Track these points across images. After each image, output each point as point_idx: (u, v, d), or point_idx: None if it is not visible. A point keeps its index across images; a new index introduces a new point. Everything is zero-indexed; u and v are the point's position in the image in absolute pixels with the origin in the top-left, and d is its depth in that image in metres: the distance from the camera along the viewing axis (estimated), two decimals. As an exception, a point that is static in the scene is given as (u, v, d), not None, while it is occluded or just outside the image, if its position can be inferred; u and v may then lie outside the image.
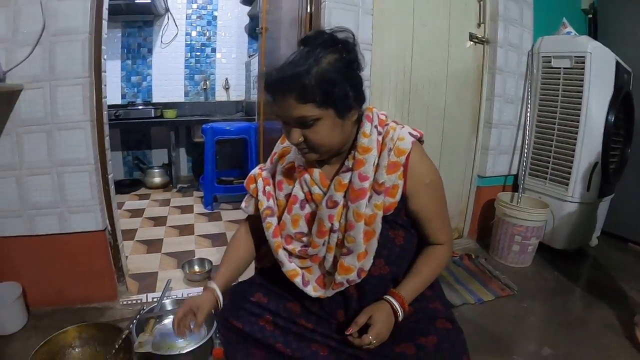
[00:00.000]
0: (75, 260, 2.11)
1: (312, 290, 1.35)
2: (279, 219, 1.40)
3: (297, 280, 1.35)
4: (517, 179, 2.97)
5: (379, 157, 1.25)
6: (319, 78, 1.13)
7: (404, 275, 1.36)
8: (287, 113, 1.19)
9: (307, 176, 1.32)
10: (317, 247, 1.31)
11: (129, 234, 3.15)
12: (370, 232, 1.25)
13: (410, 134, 1.28)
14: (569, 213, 2.62)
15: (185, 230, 3.33)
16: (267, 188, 1.43)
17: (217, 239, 3.16)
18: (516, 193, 2.81)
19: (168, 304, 1.95)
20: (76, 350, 1.71)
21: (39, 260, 2.05)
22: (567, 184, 2.61)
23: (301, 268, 1.37)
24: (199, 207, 3.89)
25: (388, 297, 1.29)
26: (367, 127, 1.26)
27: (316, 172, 1.32)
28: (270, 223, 1.38)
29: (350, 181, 1.26)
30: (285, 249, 1.37)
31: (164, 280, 2.31)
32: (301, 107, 1.16)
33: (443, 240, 1.37)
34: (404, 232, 1.33)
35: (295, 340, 1.40)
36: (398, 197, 1.25)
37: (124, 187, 4.32)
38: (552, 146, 2.72)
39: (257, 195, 1.43)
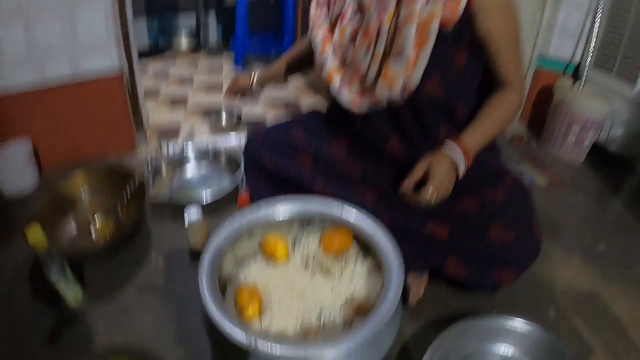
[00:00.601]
0: (90, 110, 1.94)
1: (346, 97, 1.18)
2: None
3: (334, 83, 1.19)
4: (579, 69, 2.63)
5: None
6: None
7: (466, 118, 1.19)
8: None
9: None
10: (360, 53, 1.12)
11: (153, 94, 2.96)
12: (423, 39, 1.04)
13: None
14: (632, 114, 2.30)
15: (214, 88, 3.13)
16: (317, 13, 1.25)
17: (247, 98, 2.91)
18: (577, 82, 2.50)
19: (190, 151, 1.81)
20: (85, 199, 1.58)
21: (51, 113, 1.87)
22: (634, 82, 2.26)
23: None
24: (228, 69, 3.64)
25: (447, 146, 1.12)
26: None
27: None
28: (318, 31, 1.22)
29: None
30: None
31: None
32: None
33: (513, 80, 1.16)
34: (466, 57, 1.12)
35: (338, 182, 1.23)
36: (461, 8, 1.02)
37: (148, 54, 4.02)
38: (623, 38, 2.35)
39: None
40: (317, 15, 1.23)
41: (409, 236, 1.17)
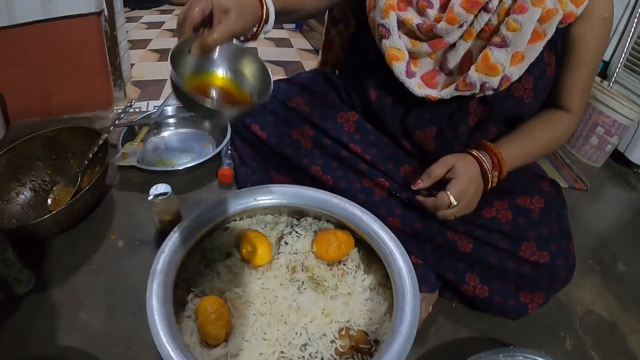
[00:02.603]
0: (64, 56, 1.68)
1: (417, 86, 0.91)
2: None
3: (399, 67, 0.90)
4: (608, 67, 2.43)
5: None
6: None
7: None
8: None
9: None
10: (454, 25, 0.85)
11: (141, 43, 2.70)
12: (539, 33, 0.83)
13: None
14: (658, 125, 2.15)
15: None
16: None
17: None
18: (605, 82, 2.30)
19: (171, 112, 1.60)
20: (43, 161, 1.35)
21: (20, 59, 1.63)
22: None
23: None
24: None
25: (481, 151, 0.92)
26: None
27: None
28: None
29: None
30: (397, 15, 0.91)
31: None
32: None
33: (574, 108, 0.98)
34: (554, 64, 0.93)
35: (341, 167, 1.01)
36: (580, 9, 0.85)
37: (143, 3, 3.69)
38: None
39: None
40: None
41: (422, 244, 0.98)
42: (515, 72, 0.85)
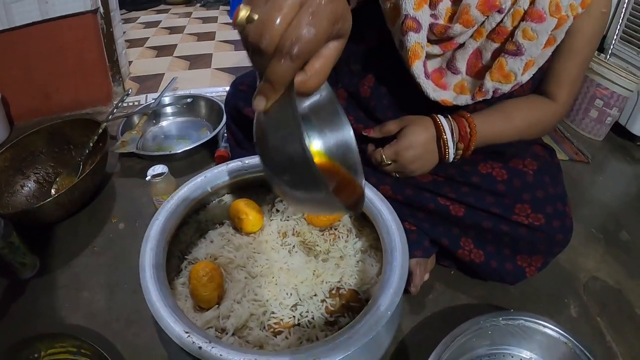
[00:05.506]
0: (62, 56, 1.73)
1: (432, 90, 0.89)
2: None
3: (418, 66, 0.86)
4: (605, 40, 2.41)
5: None
6: None
7: None
8: None
9: None
10: (470, 27, 0.83)
11: (139, 42, 2.76)
12: (550, 40, 0.83)
13: None
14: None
15: (205, 36, 2.96)
16: None
17: (240, 44, 2.72)
18: (602, 55, 2.29)
19: (168, 102, 1.64)
20: (46, 154, 1.39)
21: (20, 61, 1.68)
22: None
23: None
24: (224, 19, 3.46)
25: (448, 119, 0.91)
26: None
27: None
28: None
29: None
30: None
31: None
32: None
33: (562, 96, 0.94)
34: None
35: None
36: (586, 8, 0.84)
37: (140, 4, 3.79)
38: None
39: None
40: None
41: (415, 211, 0.98)
42: (526, 77, 0.86)
